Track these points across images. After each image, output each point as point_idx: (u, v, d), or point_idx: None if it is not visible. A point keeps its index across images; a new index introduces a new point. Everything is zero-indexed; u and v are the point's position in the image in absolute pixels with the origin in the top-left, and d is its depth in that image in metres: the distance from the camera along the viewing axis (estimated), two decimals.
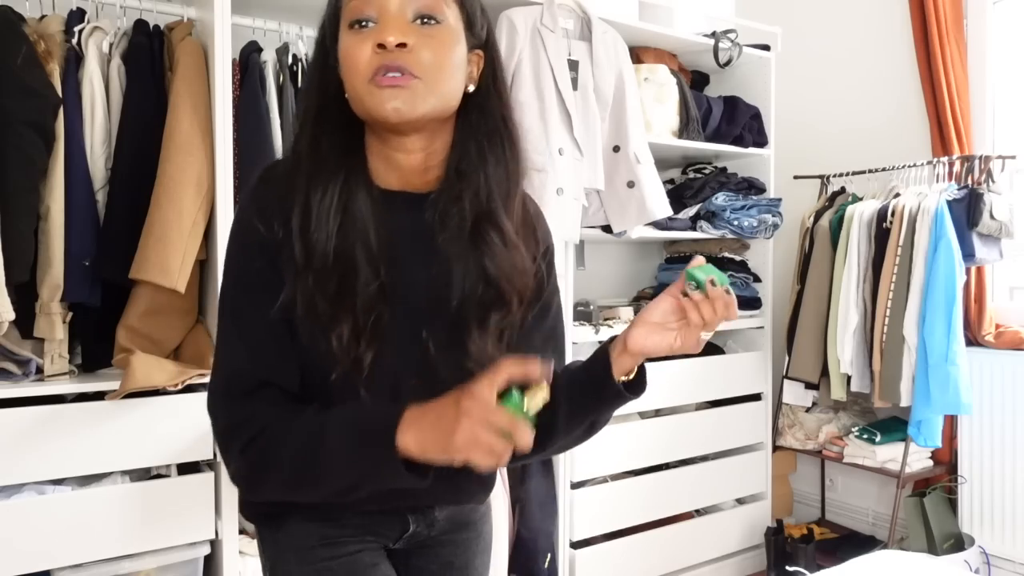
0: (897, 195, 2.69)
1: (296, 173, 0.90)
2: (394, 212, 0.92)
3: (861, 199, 2.81)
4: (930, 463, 2.74)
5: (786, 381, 2.92)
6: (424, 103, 0.87)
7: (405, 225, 0.92)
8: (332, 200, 0.88)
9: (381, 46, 0.85)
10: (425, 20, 0.88)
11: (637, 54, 2.73)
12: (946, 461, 2.75)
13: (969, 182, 2.58)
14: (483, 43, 0.96)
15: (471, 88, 0.94)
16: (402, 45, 0.85)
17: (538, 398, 0.82)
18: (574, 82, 2.37)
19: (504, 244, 0.92)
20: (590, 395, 0.96)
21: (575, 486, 2.48)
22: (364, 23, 0.87)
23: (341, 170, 0.90)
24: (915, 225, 2.51)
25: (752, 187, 2.89)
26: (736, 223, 2.75)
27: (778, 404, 3.04)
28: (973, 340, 2.65)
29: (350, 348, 0.87)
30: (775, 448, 3.06)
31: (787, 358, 2.90)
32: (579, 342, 2.51)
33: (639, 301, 2.99)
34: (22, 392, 1.78)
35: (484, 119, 0.95)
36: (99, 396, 1.85)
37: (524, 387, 0.82)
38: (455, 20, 0.90)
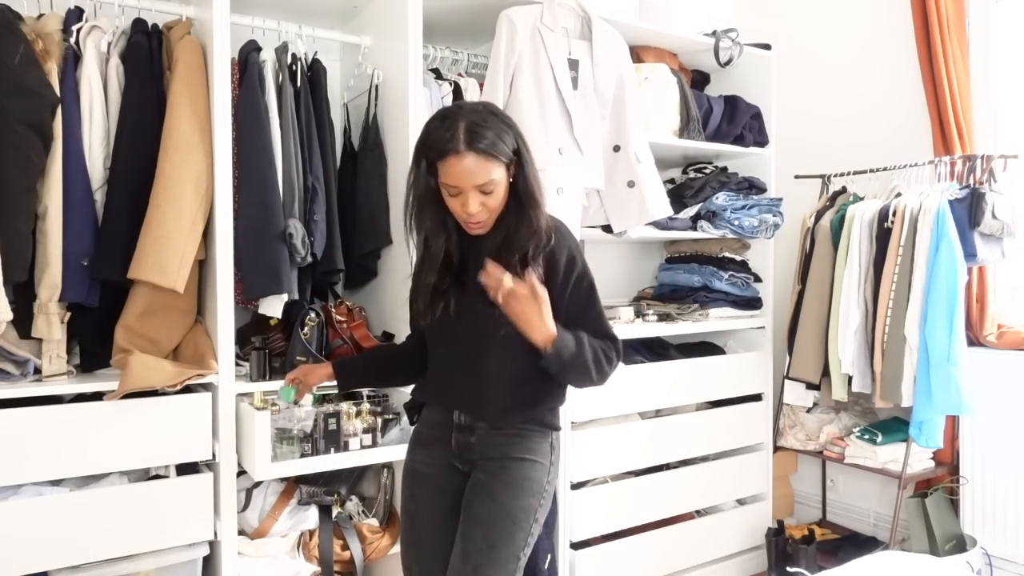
0: (899, 195, 2.68)
1: (430, 227, 1.54)
2: (468, 243, 1.56)
3: (862, 199, 2.80)
4: (932, 464, 2.73)
5: (787, 381, 2.92)
6: (489, 226, 1.51)
7: (470, 251, 1.56)
8: (440, 247, 1.54)
9: (467, 212, 1.46)
10: (485, 192, 1.45)
11: (637, 53, 2.73)
12: (948, 462, 2.74)
13: (971, 182, 2.58)
14: (514, 155, 1.48)
15: (511, 180, 1.49)
16: (478, 211, 1.46)
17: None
18: (574, 81, 2.37)
19: (519, 262, 1.47)
20: None
21: (575, 486, 2.48)
22: (453, 192, 1.46)
23: (442, 229, 1.54)
24: (916, 225, 2.50)
25: (753, 187, 2.88)
26: (737, 223, 2.74)
27: (779, 404, 3.04)
28: (975, 340, 2.64)
29: (427, 315, 1.57)
30: (776, 448, 3.05)
31: (788, 358, 2.89)
32: None
33: (639, 301, 2.98)
34: (20, 392, 1.77)
35: (517, 199, 1.50)
36: (97, 396, 1.84)
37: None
38: (499, 174, 1.45)
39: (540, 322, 1.41)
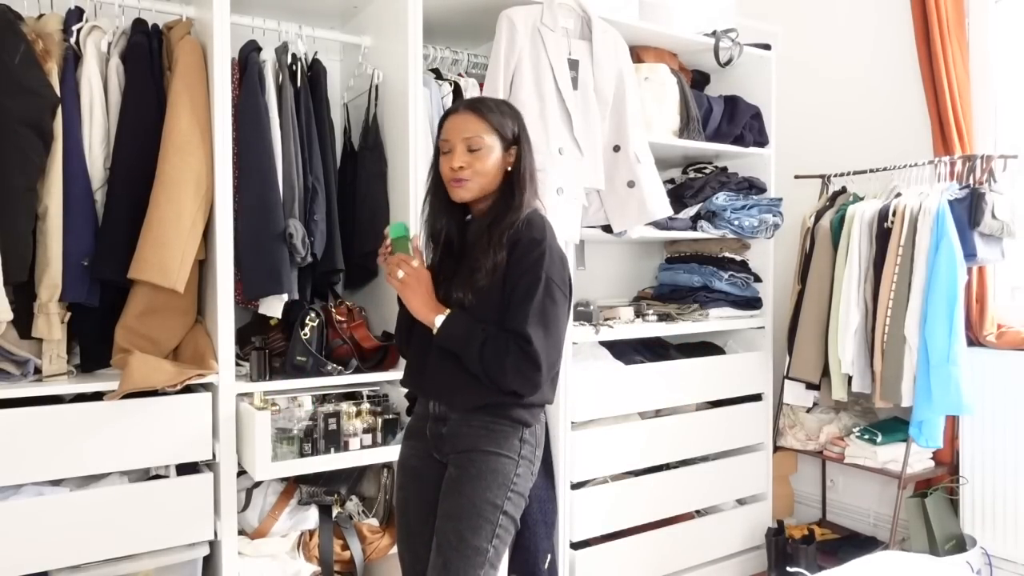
0: (898, 195, 2.68)
1: (432, 213, 1.68)
2: (467, 226, 1.68)
3: (862, 199, 2.80)
4: (931, 464, 2.73)
5: (787, 381, 2.92)
6: (472, 192, 1.60)
7: (470, 231, 1.65)
8: (440, 229, 1.67)
9: (451, 167, 1.58)
10: (472, 149, 1.57)
11: (637, 53, 2.73)
12: (947, 462, 2.74)
13: (971, 181, 2.58)
14: (514, 141, 1.61)
15: (508, 168, 1.61)
16: (460, 167, 1.56)
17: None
18: (574, 81, 2.37)
19: (489, 240, 1.55)
20: None
21: (575, 486, 2.48)
22: (446, 151, 1.60)
23: (442, 213, 1.66)
24: (916, 225, 2.50)
25: (753, 187, 2.88)
26: (737, 223, 2.74)
27: (779, 404, 3.04)
28: (975, 340, 2.64)
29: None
30: (776, 448, 3.05)
31: (788, 358, 2.89)
32: (579, 342, 2.51)
33: (639, 301, 2.98)
34: (20, 392, 1.77)
35: (511, 185, 1.60)
36: (97, 396, 1.84)
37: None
38: (491, 139, 1.58)
39: (419, 306, 1.56)
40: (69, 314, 1.90)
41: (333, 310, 2.18)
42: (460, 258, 1.63)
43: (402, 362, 2.18)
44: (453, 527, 1.51)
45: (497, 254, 1.52)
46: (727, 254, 2.93)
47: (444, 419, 1.59)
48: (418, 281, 1.56)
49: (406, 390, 1.75)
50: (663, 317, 2.75)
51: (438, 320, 1.54)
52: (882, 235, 2.60)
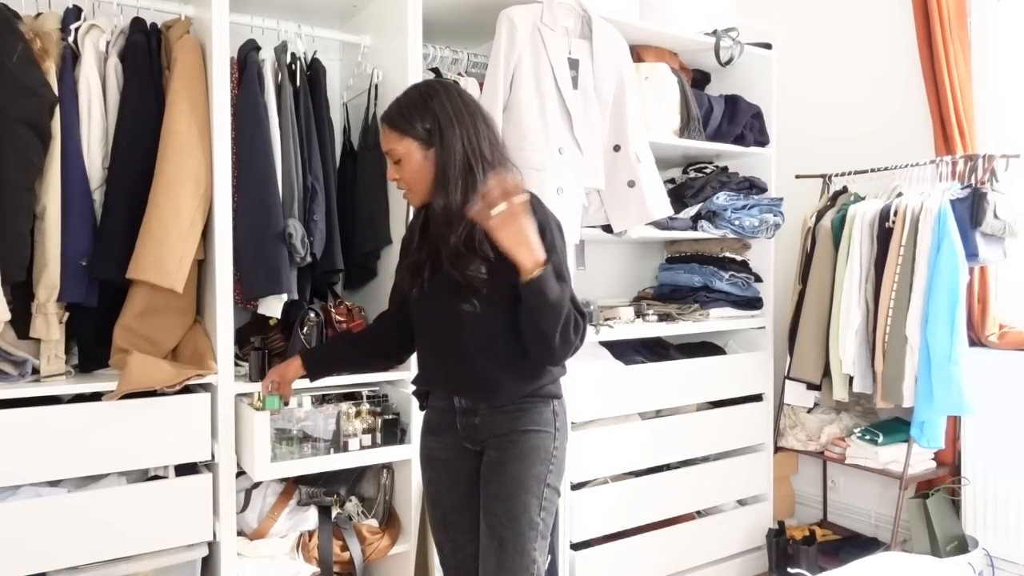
0: (900, 194, 2.67)
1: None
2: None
3: (863, 198, 2.80)
4: (933, 464, 2.72)
5: (788, 382, 2.91)
6: (420, 198, 1.60)
7: (431, 230, 1.63)
8: (417, 221, 1.67)
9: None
10: (395, 161, 1.58)
11: (638, 53, 2.72)
12: (949, 462, 2.73)
13: (972, 181, 2.57)
14: (430, 137, 1.53)
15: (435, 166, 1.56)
16: (396, 180, 1.60)
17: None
18: (574, 81, 2.36)
19: (457, 254, 1.52)
20: None
21: (575, 487, 2.47)
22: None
23: (419, 214, 1.67)
24: (918, 225, 2.49)
25: (753, 186, 2.88)
26: (737, 223, 2.73)
27: (780, 405, 3.03)
28: (976, 340, 2.63)
29: (409, 295, 1.66)
30: (777, 449, 3.05)
31: (789, 358, 2.88)
32: None
33: (639, 301, 2.97)
34: (18, 393, 1.77)
35: (441, 184, 1.54)
36: (96, 397, 1.84)
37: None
38: (405, 146, 1.55)
39: (530, 241, 1.39)
40: (67, 314, 1.89)
41: (332, 310, 2.17)
42: (438, 256, 1.58)
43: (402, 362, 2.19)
44: (503, 507, 1.55)
45: (472, 261, 1.50)
46: (728, 254, 2.92)
47: (473, 411, 1.62)
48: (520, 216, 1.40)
49: (415, 387, 1.76)
50: (663, 317, 2.74)
51: (539, 267, 1.42)
52: (883, 235, 2.60)
